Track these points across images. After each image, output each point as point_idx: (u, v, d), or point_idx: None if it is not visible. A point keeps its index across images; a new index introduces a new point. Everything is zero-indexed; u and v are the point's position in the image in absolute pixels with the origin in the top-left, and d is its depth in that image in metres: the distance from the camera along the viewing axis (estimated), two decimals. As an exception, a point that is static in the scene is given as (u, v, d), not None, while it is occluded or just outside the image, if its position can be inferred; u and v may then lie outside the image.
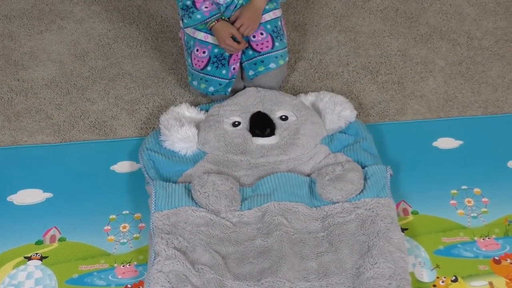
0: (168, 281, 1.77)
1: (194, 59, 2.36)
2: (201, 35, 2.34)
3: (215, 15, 2.28)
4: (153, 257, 1.85)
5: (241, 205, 2.01)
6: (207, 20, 2.28)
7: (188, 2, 2.27)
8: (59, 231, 2.04)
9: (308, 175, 2.12)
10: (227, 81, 2.36)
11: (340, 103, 2.29)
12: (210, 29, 2.30)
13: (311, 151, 2.18)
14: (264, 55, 2.36)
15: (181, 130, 2.19)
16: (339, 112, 2.26)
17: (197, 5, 2.27)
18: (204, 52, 2.34)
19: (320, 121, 2.26)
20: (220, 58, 2.33)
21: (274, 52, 2.37)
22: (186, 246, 1.89)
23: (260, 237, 1.93)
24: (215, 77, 2.35)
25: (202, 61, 2.35)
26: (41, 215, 2.09)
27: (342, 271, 1.84)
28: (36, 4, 2.96)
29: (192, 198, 2.01)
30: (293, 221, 1.96)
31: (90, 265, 1.95)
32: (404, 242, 1.91)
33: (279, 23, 2.41)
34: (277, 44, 2.37)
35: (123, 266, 1.95)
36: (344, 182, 2.01)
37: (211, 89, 2.37)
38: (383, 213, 1.95)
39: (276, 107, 2.27)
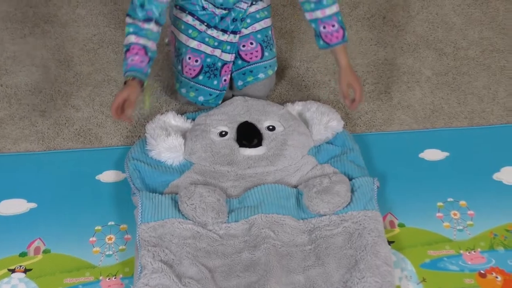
0: None
1: (186, 66, 2.34)
2: (194, 43, 2.32)
3: (135, 71, 2.09)
4: (139, 270, 1.84)
5: (228, 217, 2.00)
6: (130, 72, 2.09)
7: None
8: (43, 242, 2.02)
9: (295, 187, 2.11)
10: (217, 92, 2.34)
11: (327, 113, 2.28)
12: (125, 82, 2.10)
13: (298, 162, 2.17)
14: (253, 65, 2.35)
15: (167, 140, 2.17)
16: (326, 122, 2.25)
17: None
18: (196, 61, 2.32)
19: (307, 131, 2.25)
20: (213, 68, 2.32)
21: (263, 62, 2.36)
22: (173, 259, 1.87)
23: (247, 250, 1.92)
24: (206, 87, 2.34)
25: (194, 70, 2.33)
26: (25, 226, 2.06)
27: (329, 285, 1.83)
28: (19, 6, 2.92)
29: (179, 210, 2.00)
30: (280, 233, 1.96)
31: (75, 277, 1.93)
32: (391, 255, 1.91)
33: (270, 32, 2.40)
34: (266, 54, 2.36)
35: (108, 279, 1.93)
36: (331, 195, 2.01)
37: (201, 98, 2.36)
38: (370, 226, 1.95)
39: (263, 117, 2.26)
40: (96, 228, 2.06)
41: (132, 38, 2.10)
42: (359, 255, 1.88)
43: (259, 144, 2.18)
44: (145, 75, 2.12)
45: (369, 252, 1.88)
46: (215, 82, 2.33)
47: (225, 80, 2.34)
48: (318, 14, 2.20)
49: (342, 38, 2.22)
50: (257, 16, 2.35)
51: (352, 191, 2.06)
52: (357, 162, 2.19)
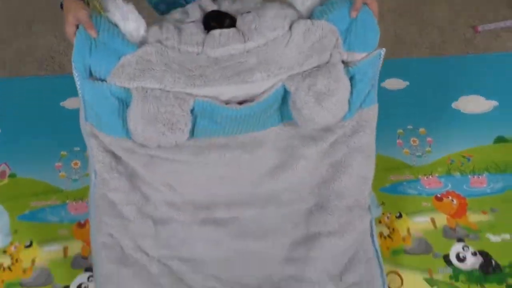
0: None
1: None
2: None
3: None
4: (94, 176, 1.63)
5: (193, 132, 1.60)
6: None
7: None
8: (9, 167, 2.03)
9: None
10: None
11: None
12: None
13: (285, 33, 1.59)
14: None
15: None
16: None
17: None
18: None
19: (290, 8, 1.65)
20: None
21: None
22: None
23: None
24: None
25: None
26: (-10, 151, 2.07)
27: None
28: None
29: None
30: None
31: (41, 201, 1.95)
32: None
33: None
34: None
35: (75, 202, 1.95)
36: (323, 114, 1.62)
37: None
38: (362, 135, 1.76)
39: (235, 6, 1.68)
40: (61, 153, 2.07)
41: None
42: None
43: (232, 25, 1.60)
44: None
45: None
46: None
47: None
48: None
49: None
50: None
51: (351, 81, 1.67)
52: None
